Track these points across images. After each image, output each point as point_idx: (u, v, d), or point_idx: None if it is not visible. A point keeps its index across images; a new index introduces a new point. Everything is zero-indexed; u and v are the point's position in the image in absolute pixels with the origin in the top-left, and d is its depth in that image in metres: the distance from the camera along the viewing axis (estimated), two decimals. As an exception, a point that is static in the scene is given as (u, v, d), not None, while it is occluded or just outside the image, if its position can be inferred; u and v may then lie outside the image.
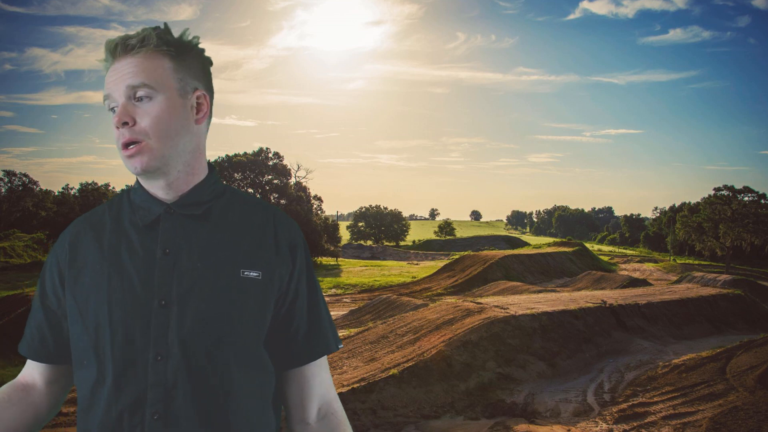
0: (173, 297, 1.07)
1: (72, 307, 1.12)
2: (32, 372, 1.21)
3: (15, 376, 1.26)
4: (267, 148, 45.37)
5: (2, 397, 1.17)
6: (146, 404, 1.04)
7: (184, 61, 1.14)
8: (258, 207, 1.21)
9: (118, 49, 1.10)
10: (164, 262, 1.09)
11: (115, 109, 1.10)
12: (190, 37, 1.15)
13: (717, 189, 50.17)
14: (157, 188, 1.14)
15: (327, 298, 26.16)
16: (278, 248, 1.17)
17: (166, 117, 1.10)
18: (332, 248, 46.31)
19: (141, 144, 1.08)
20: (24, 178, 50.73)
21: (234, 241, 1.14)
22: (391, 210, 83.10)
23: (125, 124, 1.08)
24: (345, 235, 72.09)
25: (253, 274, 1.12)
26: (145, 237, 1.12)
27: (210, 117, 1.21)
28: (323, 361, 1.24)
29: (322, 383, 1.22)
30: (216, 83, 1.24)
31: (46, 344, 1.17)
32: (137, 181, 1.17)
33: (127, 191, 1.21)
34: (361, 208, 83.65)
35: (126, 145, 1.09)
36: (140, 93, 1.09)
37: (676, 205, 69.91)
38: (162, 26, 1.14)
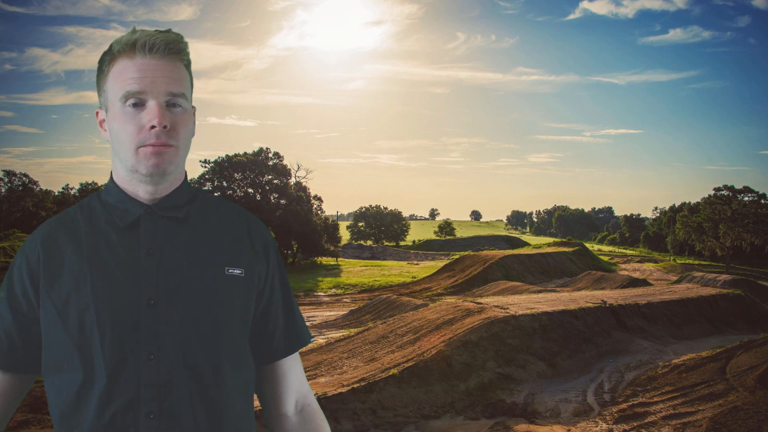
0: (161, 296, 1.08)
1: (49, 311, 1.08)
2: None
3: None
4: (267, 148, 45.28)
5: None
6: (140, 404, 1.05)
7: (191, 76, 1.18)
8: (230, 209, 1.24)
9: (161, 48, 1.10)
10: (148, 262, 1.10)
11: (138, 105, 1.09)
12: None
13: (717, 189, 50.18)
14: (145, 190, 1.14)
15: (327, 298, 26.25)
16: (254, 247, 1.20)
17: (191, 127, 1.16)
18: (332, 248, 46.27)
19: (171, 147, 1.11)
20: (24, 178, 50.75)
21: (215, 241, 1.16)
22: (391, 210, 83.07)
23: (165, 127, 1.09)
24: (345, 235, 72.06)
25: (237, 271, 1.15)
26: (126, 237, 1.12)
27: None
28: (297, 355, 1.29)
29: (297, 376, 1.28)
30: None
31: (15, 350, 1.12)
32: (111, 180, 1.17)
33: (98, 194, 1.20)
34: (361, 208, 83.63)
35: (155, 145, 1.09)
36: (176, 100, 1.11)
37: (676, 205, 69.85)
38: (181, 37, 1.15)
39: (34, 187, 51.25)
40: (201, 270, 1.12)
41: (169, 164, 1.11)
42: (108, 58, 1.11)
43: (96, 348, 1.05)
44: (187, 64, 1.15)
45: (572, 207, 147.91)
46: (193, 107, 1.21)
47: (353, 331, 13.16)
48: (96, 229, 1.13)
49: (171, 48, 1.10)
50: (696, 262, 50.34)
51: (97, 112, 1.17)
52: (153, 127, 1.08)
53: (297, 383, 1.27)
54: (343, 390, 8.83)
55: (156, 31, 1.11)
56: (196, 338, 1.08)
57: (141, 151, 1.09)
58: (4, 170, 50.35)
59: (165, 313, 1.07)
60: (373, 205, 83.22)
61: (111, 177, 1.18)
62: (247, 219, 1.24)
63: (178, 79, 1.11)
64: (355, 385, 9.04)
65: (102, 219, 1.14)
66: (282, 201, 44.17)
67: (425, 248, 73.99)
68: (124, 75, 1.09)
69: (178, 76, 1.11)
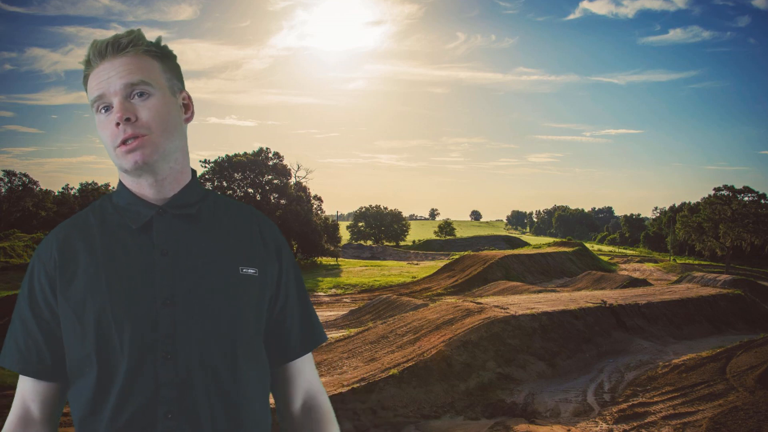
0: (177, 297, 1.08)
1: (67, 314, 1.09)
2: (26, 404, 1.14)
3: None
4: (267, 148, 45.25)
5: None
6: (158, 404, 1.05)
7: (167, 64, 1.18)
8: (240, 209, 1.24)
9: (109, 49, 1.11)
10: (163, 263, 1.10)
11: (108, 108, 1.11)
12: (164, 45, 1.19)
13: (717, 189, 50.15)
14: (146, 187, 1.14)
15: (327, 298, 26.25)
16: (266, 247, 1.20)
17: (164, 111, 1.13)
18: (332, 248, 46.26)
19: (143, 137, 1.09)
20: (24, 178, 50.74)
21: (228, 240, 1.16)
22: (391, 210, 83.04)
23: (128, 120, 1.08)
24: (345, 235, 72.02)
25: (251, 270, 1.15)
26: (139, 239, 1.12)
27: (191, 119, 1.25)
28: (310, 354, 1.29)
29: (308, 377, 1.27)
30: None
31: (43, 357, 1.12)
32: (120, 183, 1.18)
33: (109, 196, 1.21)
34: (361, 208, 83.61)
35: (126, 141, 1.09)
36: (138, 90, 1.11)
37: (676, 205, 69.86)
38: (136, 30, 1.16)
39: (34, 187, 51.24)
40: (216, 269, 1.12)
41: (150, 155, 1.10)
42: (84, 79, 1.15)
43: (114, 349, 1.06)
44: (149, 52, 1.14)
45: (572, 207, 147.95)
46: (184, 92, 1.20)
47: (353, 331, 13.16)
48: (109, 231, 1.14)
49: (119, 45, 1.11)
50: (696, 262, 50.32)
51: None
52: (118, 124, 1.09)
53: (306, 384, 1.26)
54: (343, 390, 8.83)
55: (110, 36, 1.13)
56: (213, 337, 1.09)
57: (118, 151, 1.10)
58: (4, 170, 50.43)
59: (181, 313, 1.08)
60: (373, 205, 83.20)
61: (120, 180, 1.19)
62: (258, 219, 1.24)
63: (135, 69, 1.11)
64: (355, 385, 9.04)
65: (114, 221, 1.15)
66: (282, 201, 44.18)
67: (425, 248, 73.95)
68: (91, 86, 1.13)
69: (135, 66, 1.11)
